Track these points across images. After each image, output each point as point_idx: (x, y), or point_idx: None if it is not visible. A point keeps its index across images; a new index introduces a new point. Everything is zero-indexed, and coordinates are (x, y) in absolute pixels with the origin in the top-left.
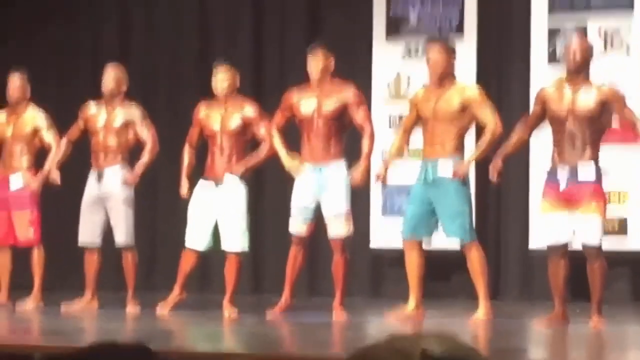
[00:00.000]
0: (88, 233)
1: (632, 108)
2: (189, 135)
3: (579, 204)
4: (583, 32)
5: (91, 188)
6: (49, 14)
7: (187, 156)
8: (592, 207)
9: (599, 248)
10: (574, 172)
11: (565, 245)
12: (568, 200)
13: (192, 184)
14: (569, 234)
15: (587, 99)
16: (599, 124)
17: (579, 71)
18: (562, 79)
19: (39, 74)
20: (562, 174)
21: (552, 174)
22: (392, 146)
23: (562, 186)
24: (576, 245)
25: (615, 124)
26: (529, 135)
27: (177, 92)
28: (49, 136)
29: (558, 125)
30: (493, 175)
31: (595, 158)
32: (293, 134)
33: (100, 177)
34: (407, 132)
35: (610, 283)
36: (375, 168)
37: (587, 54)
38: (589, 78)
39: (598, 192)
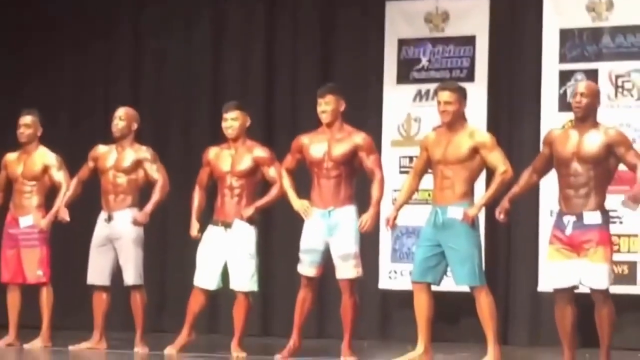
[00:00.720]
0: (97, 273)
1: (638, 151)
2: (199, 176)
3: (586, 249)
4: (592, 75)
5: (101, 228)
6: (61, 58)
7: (197, 197)
8: (599, 253)
9: (607, 293)
10: (579, 218)
11: (572, 290)
12: (574, 245)
13: (202, 225)
14: (576, 278)
15: (592, 142)
16: (605, 167)
17: (586, 115)
18: (571, 122)
19: (51, 116)
20: (568, 219)
21: (558, 220)
22: (403, 189)
23: (568, 231)
24: (584, 289)
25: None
26: (538, 177)
27: (188, 136)
28: (59, 175)
29: (563, 167)
30: (499, 216)
31: (601, 203)
32: (303, 178)
33: (110, 219)
34: (418, 175)
35: (621, 327)
36: (385, 212)
37: (594, 98)
38: (596, 121)
39: (604, 237)
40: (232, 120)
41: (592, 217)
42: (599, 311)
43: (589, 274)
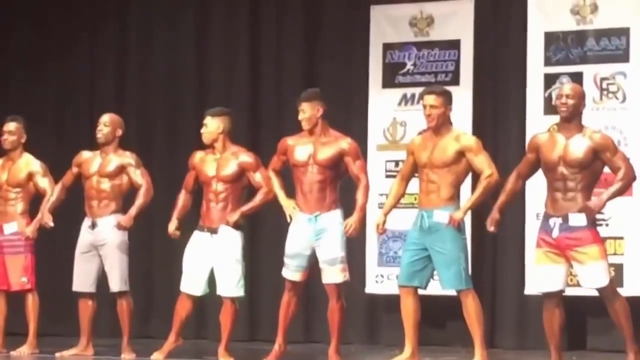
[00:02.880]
0: (82, 280)
1: (624, 154)
2: (185, 180)
3: (575, 252)
4: (577, 78)
5: (85, 235)
6: (45, 63)
7: (181, 199)
8: (591, 252)
9: (612, 288)
10: (565, 219)
11: (560, 293)
12: (561, 247)
13: (186, 229)
14: (563, 282)
15: (578, 147)
16: (591, 171)
17: (572, 116)
18: (555, 126)
19: (36, 123)
20: (554, 222)
21: (544, 222)
22: (390, 194)
23: (555, 233)
24: (571, 292)
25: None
26: (523, 182)
27: (173, 139)
28: (43, 182)
29: (550, 172)
30: (490, 227)
31: None
32: (289, 183)
33: (93, 225)
34: (405, 180)
35: (608, 330)
36: (371, 217)
37: (579, 99)
38: (581, 124)
39: (593, 236)
40: (204, 127)
41: (578, 219)
42: (611, 307)
43: (585, 276)
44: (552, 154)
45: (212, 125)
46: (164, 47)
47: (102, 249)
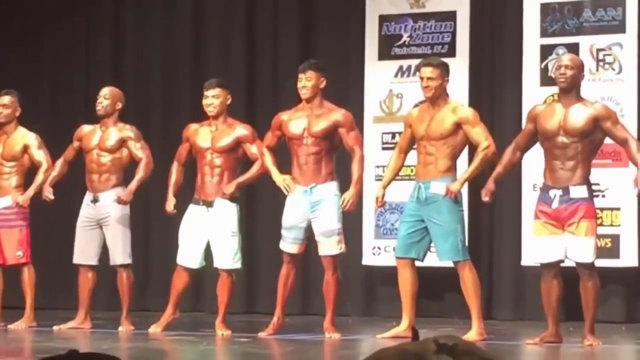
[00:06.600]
0: (83, 253)
1: (624, 125)
2: (178, 152)
3: (571, 223)
4: (573, 49)
5: (86, 209)
6: (40, 37)
7: (174, 173)
8: (584, 227)
9: (592, 266)
10: (566, 191)
11: (558, 264)
12: (560, 219)
13: (181, 202)
14: (562, 252)
15: (578, 115)
16: (591, 141)
17: (571, 87)
18: (554, 97)
19: (31, 97)
20: (554, 193)
21: (543, 193)
22: (388, 167)
23: (555, 204)
24: (569, 263)
25: (608, 139)
26: (521, 154)
27: (170, 114)
28: (39, 154)
29: (549, 142)
30: (485, 197)
31: (586, 176)
32: (284, 157)
33: (95, 200)
34: (403, 152)
35: (604, 300)
36: (367, 189)
37: (578, 70)
38: (580, 95)
39: (590, 211)
40: (212, 98)
41: (579, 191)
42: (584, 284)
43: (574, 247)
44: (551, 122)
45: (222, 96)
46: (161, 21)
47: (104, 223)
